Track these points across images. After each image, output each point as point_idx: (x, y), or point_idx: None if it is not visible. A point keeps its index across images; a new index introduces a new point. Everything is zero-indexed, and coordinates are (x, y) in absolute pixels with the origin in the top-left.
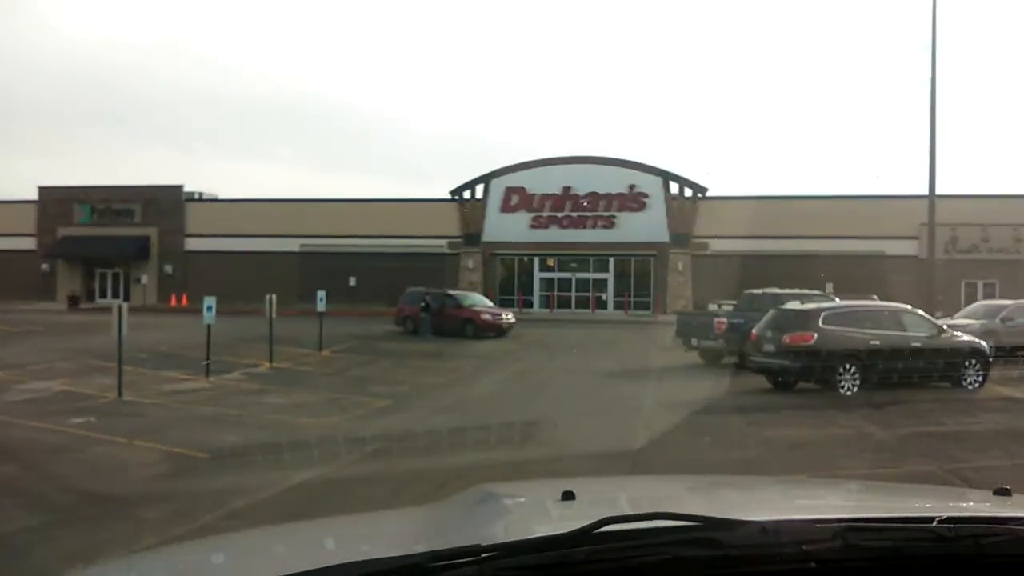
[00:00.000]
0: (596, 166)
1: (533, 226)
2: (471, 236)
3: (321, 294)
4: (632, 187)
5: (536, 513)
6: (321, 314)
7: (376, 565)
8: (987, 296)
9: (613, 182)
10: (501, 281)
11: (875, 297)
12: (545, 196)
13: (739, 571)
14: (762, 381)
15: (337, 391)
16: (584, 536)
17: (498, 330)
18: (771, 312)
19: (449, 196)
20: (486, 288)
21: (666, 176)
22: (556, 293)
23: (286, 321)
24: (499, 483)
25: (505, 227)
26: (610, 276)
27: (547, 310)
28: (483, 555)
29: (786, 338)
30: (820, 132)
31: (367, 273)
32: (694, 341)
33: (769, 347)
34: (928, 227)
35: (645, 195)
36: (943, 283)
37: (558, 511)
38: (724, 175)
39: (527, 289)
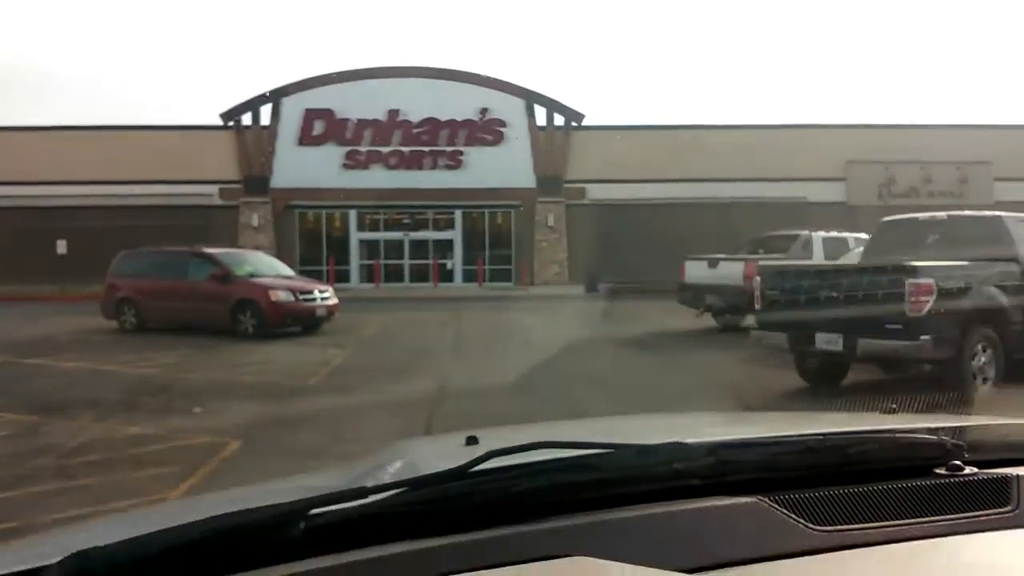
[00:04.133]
0: (435, 82)
1: (347, 165)
2: (255, 180)
3: None
4: (485, 112)
5: (436, 458)
6: None
7: (256, 514)
8: None
9: (459, 105)
10: (302, 245)
11: None
12: (364, 123)
13: (615, 492)
14: None
15: None
16: (464, 471)
17: (306, 320)
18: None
19: (220, 122)
20: (280, 254)
21: (531, 98)
22: (382, 261)
23: None
24: (415, 437)
25: (306, 167)
26: (457, 235)
27: (371, 284)
28: (368, 496)
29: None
30: (724, 48)
31: (87, 236)
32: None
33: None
34: None
35: (503, 123)
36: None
37: (457, 454)
38: (604, 100)
39: (341, 256)
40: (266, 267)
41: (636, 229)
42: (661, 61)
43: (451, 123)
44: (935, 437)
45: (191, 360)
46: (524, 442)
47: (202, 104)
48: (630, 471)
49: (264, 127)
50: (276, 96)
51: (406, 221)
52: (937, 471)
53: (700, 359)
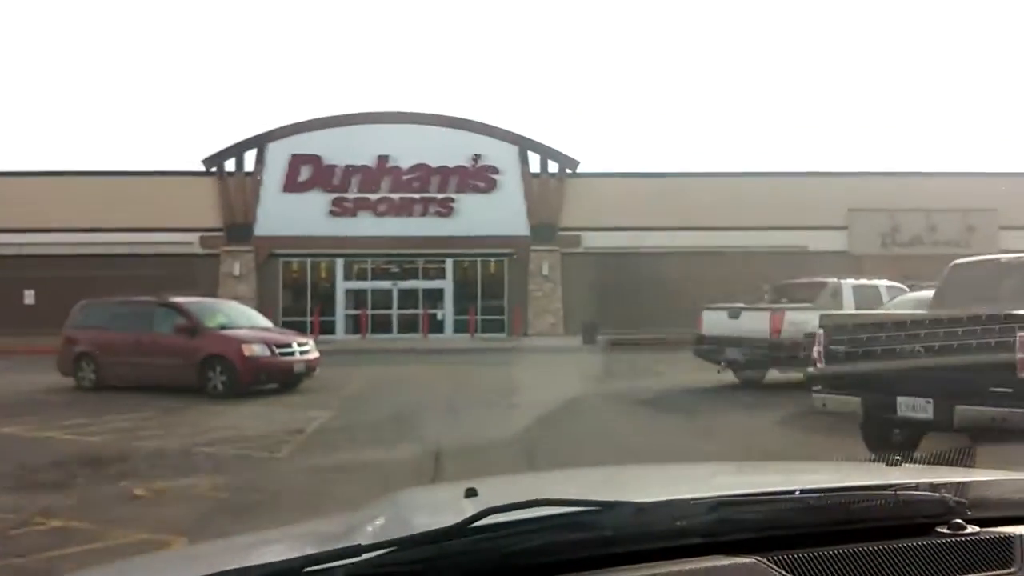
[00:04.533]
0: (426, 128)
1: (334, 212)
2: (237, 228)
3: None
4: (477, 158)
5: (433, 512)
6: None
7: (252, 572)
8: None
9: (451, 151)
10: (286, 295)
11: None
12: (352, 169)
13: (615, 551)
14: None
15: None
16: (463, 528)
17: (284, 376)
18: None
19: (202, 167)
20: (263, 305)
21: (524, 144)
22: (370, 311)
23: None
24: (413, 488)
25: (291, 214)
26: (448, 284)
27: (357, 336)
28: (363, 555)
29: None
30: (724, 94)
31: (57, 286)
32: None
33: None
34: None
35: (495, 170)
36: None
37: (456, 508)
38: (599, 147)
39: (326, 306)
40: (240, 318)
41: (633, 278)
42: (658, 107)
43: (442, 169)
44: (937, 494)
45: (149, 424)
46: (523, 495)
47: (183, 149)
48: (628, 530)
49: (248, 173)
50: (261, 141)
51: (395, 270)
52: (939, 530)
53: (728, 421)
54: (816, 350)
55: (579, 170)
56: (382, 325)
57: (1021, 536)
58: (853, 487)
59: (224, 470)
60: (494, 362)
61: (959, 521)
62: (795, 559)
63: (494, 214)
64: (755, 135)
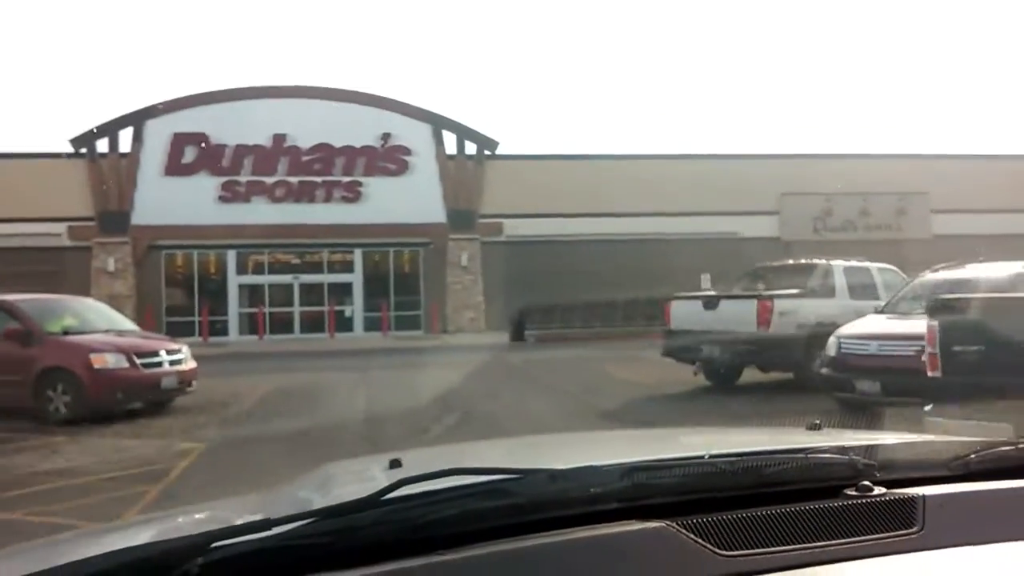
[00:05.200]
0: (329, 104)
1: (224, 198)
2: (112, 216)
3: None
4: (387, 138)
5: (352, 483)
6: None
7: (151, 549)
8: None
9: (357, 130)
10: (170, 292)
11: None
12: (243, 149)
13: (530, 518)
14: None
15: None
16: (375, 499)
17: (149, 393)
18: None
19: (70, 148)
20: (142, 304)
21: (438, 123)
22: (267, 309)
23: None
24: (339, 461)
25: (174, 200)
26: (357, 278)
27: (253, 337)
28: (272, 528)
29: None
30: (650, 73)
31: None
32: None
33: None
34: None
35: (407, 151)
36: None
37: (377, 480)
38: (519, 128)
39: (217, 304)
40: (95, 319)
41: (560, 269)
42: (583, 84)
43: (348, 150)
44: (846, 457)
45: None
46: (445, 465)
47: (48, 128)
48: (543, 497)
49: (123, 154)
50: (138, 118)
51: (296, 262)
52: (847, 492)
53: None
54: (929, 352)
55: (499, 152)
56: (282, 324)
57: (924, 496)
58: (764, 451)
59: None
60: (414, 365)
61: (867, 483)
62: (706, 523)
63: (407, 199)
64: (684, 116)
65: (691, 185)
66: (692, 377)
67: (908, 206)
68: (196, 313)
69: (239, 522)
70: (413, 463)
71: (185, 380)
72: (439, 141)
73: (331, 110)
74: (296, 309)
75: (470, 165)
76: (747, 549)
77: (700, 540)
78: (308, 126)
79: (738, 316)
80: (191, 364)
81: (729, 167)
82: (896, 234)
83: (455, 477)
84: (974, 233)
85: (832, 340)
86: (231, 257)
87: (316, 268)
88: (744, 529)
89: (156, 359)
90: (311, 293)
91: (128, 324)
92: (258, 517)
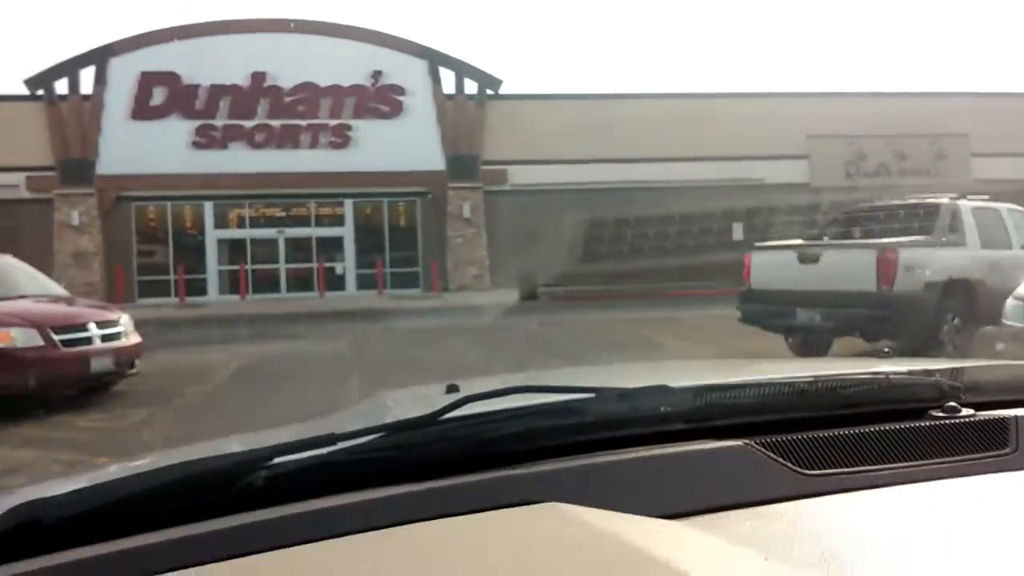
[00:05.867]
0: (312, 38)
1: (198, 144)
2: (74, 165)
3: None
4: (378, 76)
5: (414, 407)
6: None
7: (212, 463)
8: None
9: (345, 67)
10: (142, 249)
11: None
12: (219, 90)
13: (596, 437)
14: None
15: None
16: (440, 416)
17: (76, 380)
18: None
19: (25, 90)
20: (109, 262)
21: (435, 59)
22: (250, 266)
23: None
24: (397, 389)
25: (143, 147)
26: (348, 231)
27: (235, 297)
28: (337, 443)
29: None
30: (669, 6)
31: None
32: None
33: None
34: None
35: (400, 90)
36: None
37: (436, 402)
38: (524, 64)
39: (194, 261)
40: (8, 282)
41: (570, 220)
42: (592, 16)
43: (335, 90)
44: (932, 379)
45: None
46: (499, 385)
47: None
48: (611, 415)
49: (85, 96)
50: (101, 56)
51: (280, 215)
52: (933, 413)
53: None
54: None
55: (502, 91)
56: (267, 283)
57: (1017, 417)
58: (844, 374)
59: None
60: (416, 330)
61: (953, 404)
62: (785, 442)
63: (401, 145)
64: (703, 50)
65: (712, 127)
66: (753, 345)
67: (946, 149)
68: (171, 271)
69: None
70: (471, 388)
71: (124, 360)
72: (436, 79)
73: (315, 45)
74: (282, 266)
75: (471, 106)
76: (830, 468)
77: (780, 459)
78: (290, 63)
79: (849, 271)
80: (133, 339)
81: (752, 107)
82: (934, 180)
83: (520, 396)
84: (1019, 177)
85: (1013, 304)
86: (208, 209)
87: (303, 221)
88: (826, 448)
89: (82, 334)
90: (298, 248)
91: (54, 288)
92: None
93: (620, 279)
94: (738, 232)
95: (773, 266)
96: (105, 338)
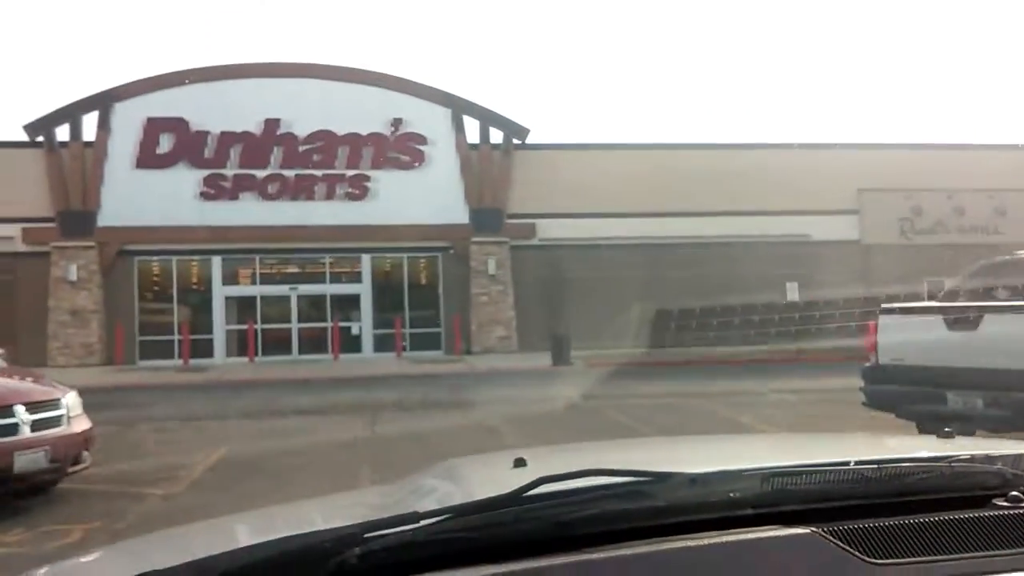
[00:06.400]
0: (329, 84)
1: (207, 195)
2: (74, 217)
3: None
4: (398, 124)
5: (485, 481)
6: None
7: (308, 539)
8: None
9: (364, 115)
10: (144, 307)
11: None
12: (229, 136)
13: (668, 521)
14: None
15: None
16: (517, 496)
17: None
18: None
19: (24, 136)
20: (109, 320)
21: (459, 106)
22: (259, 326)
23: None
24: (462, 457)
25: (148, 198)
26: (365, 289)
27: (243, 359)
28: (420, 521)
29: None
30: (707, 48)
31: None
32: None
33: None
34: None
35: (422, 139)
36: (898, 280)
37: (507, 478)
38: (554, 112)
39: (200, 321)
40: None
41: (602, 277)
42: (625, 62)
43: (352, 138)
44: (995, 466)
45: None
46: (572, 466)
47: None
48: (683, 500)
49: (88, 143)
50: (105, 100)
51: (293, 271)
52: (996, 502)
53: None
54: None
55: (530, 140)
56: (277, 344)
57: None
58: (908, 459)
59: None
60: (442, 404)
61: (1016, 494)
62: (852, 530)
63: (423, 196)
64: (745, 98)
65: (754, 180)
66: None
67: (1007, 204)
68: (175, 331)
69: (386, 515)
70: (538, 463)
71: (66, 453)
72: (459, 128)
73: (332, 92)
74: (294, 326)
75: (496, 156)
76: (896, 557)
77: (848, 547)
78: (306, 110)
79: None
80: (79, 424)
81: (798, 158)
82: (993, 237)
83: (593, 478)
84: None
85: None
86: (216, 264)
87: (317, 278)
88: (892, 537)
89: (4, 420)
90: (311, 307)
91: None
92: (401, 511)
93: (659, 343)
94: (793, 292)
95: (910, 334)
96: (38, 425)
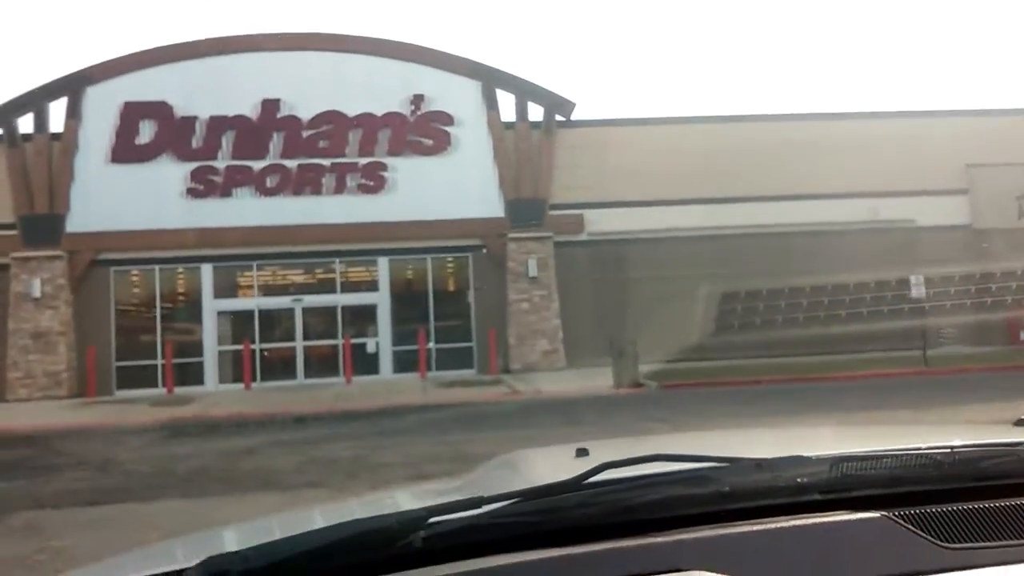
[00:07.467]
0: (337, 57)
1: (195, 192)
2: (39, 221)
3: None
4: (419, 101)
5: (548, 469)
6: None
7: (376, 522)
8: None
9: (378, 92)
10: (122, 326)
11: None
12: (220, 122)
13: (733, 507)
14: None
15: None
16: (581, 481)
17: None
18: None
19: None
20: (81, 343)
21: (491, 78)
22: (257, 345)
23: None
24: (523, 449)
25: (125, 197)
26: (382, 298)
27: (238, 386)
28: (483, 506)
29: None
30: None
31: None
32: None
33: None
34: None
35: (449, 119)
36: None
37: (570, 466)
38: (605, 84)
39: (188, 341)
40: None
41: (666, 276)
42: (686, 21)
43: (366, 119)
44: None
45: None
46: (635, 454)
47: None
48: (749, 485)
49: (55, 135)
50: (75, 84)
51: (297, 279)
52: None
53: None
54: None
55: (575, 116)
56: (279, 366)
57: None
58: (982, 444)
59: None
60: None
61: None
62: (923, 515)
63: (449, 187)
64: (827, 61)
65: (844, 156)
66: None
67: None
68: (158, 354)
69: (451, 500)
70: (601, 453)
71: None
72: (492, 104)
73: (342, 65)
74: (298, 344)
75: (536, 136)
76: (969, 542)
77: (921, 532)
78: (310, 89)
79: None
80: None
81: (894, 129)
82: None
83: (656, 463)
84: None
85: None
86: (206, 274)
87: (326, 286)
88: (964, 522)
89: None
90: (320, 321)
91: None
92: (465, 497)
93: (743, 352)
94: (919, 289)
95: None
96: None
